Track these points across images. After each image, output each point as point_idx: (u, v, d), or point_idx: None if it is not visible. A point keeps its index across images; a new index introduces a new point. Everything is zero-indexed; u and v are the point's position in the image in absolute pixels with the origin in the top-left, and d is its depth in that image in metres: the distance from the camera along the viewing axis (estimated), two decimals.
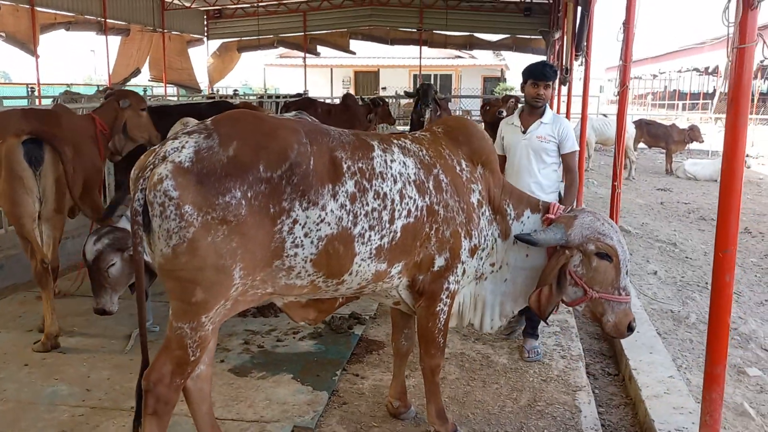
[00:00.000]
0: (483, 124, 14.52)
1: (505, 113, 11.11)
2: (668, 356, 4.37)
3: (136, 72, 23.29)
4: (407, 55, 30.10)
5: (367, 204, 2.77)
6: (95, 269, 4.07)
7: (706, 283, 6.77)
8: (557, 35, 16.87)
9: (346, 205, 2.71)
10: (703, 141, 16.87)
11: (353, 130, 3.10)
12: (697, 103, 36.56)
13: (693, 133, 16.57)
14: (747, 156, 15.97)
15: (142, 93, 20.42)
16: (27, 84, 18.46)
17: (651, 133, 16.77)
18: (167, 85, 24.11)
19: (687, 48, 36.68)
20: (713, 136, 19.60)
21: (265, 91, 27.19)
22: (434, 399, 3.34)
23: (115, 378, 3.98)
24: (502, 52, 32.49)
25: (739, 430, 3.62)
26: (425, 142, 3.15)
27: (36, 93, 16.78)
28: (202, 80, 26.14)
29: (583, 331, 5.11)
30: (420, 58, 25.21)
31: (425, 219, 2.95)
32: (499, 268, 3.31)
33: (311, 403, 3.70)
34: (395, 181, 2.88)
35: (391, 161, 2.92)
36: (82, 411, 3.58)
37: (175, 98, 20.98)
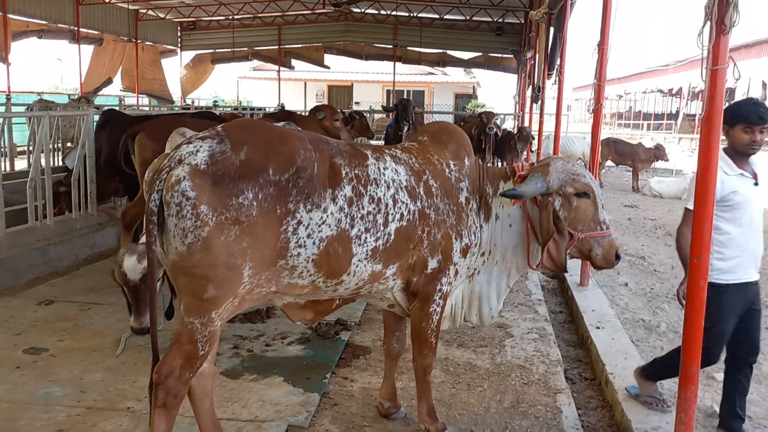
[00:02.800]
0: None
1: (494, 129, 11.42)
2: (641, 362, 4.57)
3: (108, 81, 23.13)
4: (381, 70, 30.45)
5: (363, 208, 2.94)
6: (143, 288, 3.76)
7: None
8: (529, 54, 17.27)
9: (344, 208, 2.87)
10: (668, 160, 17.37)
11: (348, 141, 3.28)
12: (662, 124, 37.50)
13: (658, 152, 17.06)
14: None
15: (118, 103, 20.35)
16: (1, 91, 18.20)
17: (618, 151, 17.23)
18: (139, 95, 23.98)
19: (652, 70, 37.73)
20: (677, 155, 20.20)
21: (239, 104, 27.18)
22: (425, 398, 3.49)
23: (108, 380, 4.04)
24: (474, 70, 33.02)
25: (708, 429, 3.83)
26: (414, 151, 3.33)
27: (8, 101, 16.57)
28: (175, 91, 26.05)
29: (560, 339, 5.31)
30: (394, 73, 25.50)
31: (417, 222, 3.12)
32: (489, 254, 3.43)
33: (303, 404, 3.81)
34: (388, 187, 3.05)
35: (384, 169, 3.09)
36: (78, 411, 3.64)
37: (148, 108, 20.87)
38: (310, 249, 2.79)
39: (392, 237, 3.05)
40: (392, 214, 3.04)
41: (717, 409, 4.00)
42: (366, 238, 2.95)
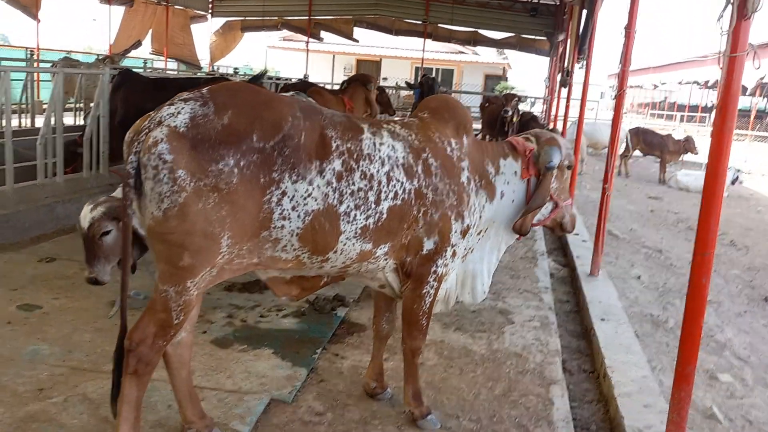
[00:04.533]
0: (481, 122, 14.62)
1: (510, 112, 11.19)
2: (644, 357, 4.45)
3: (137, 44, 23.09)
4: (410, 46, 30.05)
5: (353, 184, 2.81)
6: (89, 237, 3.97)
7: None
8: (561, 37, 16.90)
9: (332, 183, 2.74)
10: (697, 153, 16.96)
11: (345, 113, 3.15)
12: (695, 116, 36.70)
13: (688, 144, 16.68)
14: (739, 171, 16.10)
15: (142, 66, 20.38)
16: (26, 48, 18.31)
17: (647, 141, 16.89)
18: (168, 59, 23.99)
19: (689, 60, 36.81)
20: (708, 149, 19.72)
21: (265, 72, 27.07)
22: (412, 381, 3.40)
23: (96, 341, 4.01)
24: (505, 51, 32.50)
25: None
26: (414, 127, 3.19)
27: (35, 57, 16.67)
28: (203, 57, 26.01)
29: (564, 329, 5.18)
30: (423, 50, 25.16)
31: (413, 202, 2.99)
32: (485, 231, 3.39)
33: (290, 378, 3.75)
34: (383, 164, 2.92)
35: (380, 144, 2.95)
36: (61, 371, 3.61)
37: (175, 72, 20.87)
38: (295, 222, 2.68)
39: (384, 216, 2.92)
40: (385, 192, 2.90)
41: (717, 411, 3.87)
42: (356, 215, 2.83)
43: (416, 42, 26.15)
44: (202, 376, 3.67)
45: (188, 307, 2.62)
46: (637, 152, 17.35)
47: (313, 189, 2.69)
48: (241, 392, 3.55)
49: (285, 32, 28.73)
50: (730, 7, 2.73)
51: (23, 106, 12.87)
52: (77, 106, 12.97)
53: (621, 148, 15.67)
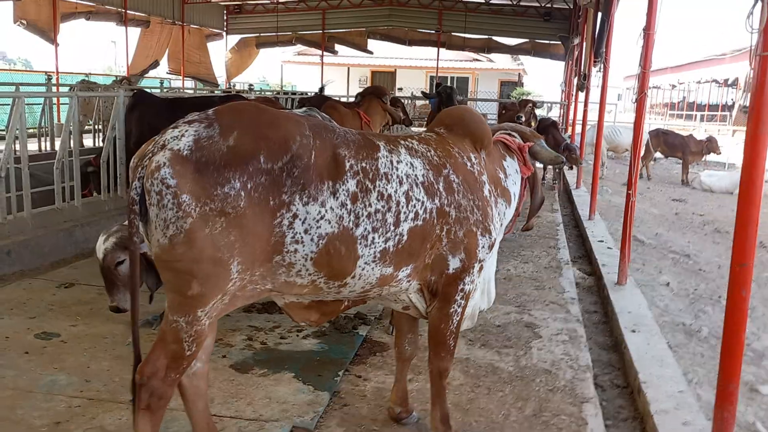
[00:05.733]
0: None
1: (523, 118, 11.03)
2: (679, 370, 4.26)
3: (155, 64, 23.41)
4: (424, 56, 30.05)
5: (370, 205, 2.69)
6: (105, 268, 3.92)
7: (719, 297, 6.65)
8: (576, 41, 16.73)
9: (346, 204, 2.62)
10: (720, 153, 16.69)
11: (360, 130, 3.05)
12: (716, 115, 36.19)
13: (710, 145, 16.41)
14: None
15: (159, 85, 20.52)
16: (45, 72, 18.53)
17: (668, 142, 16.64)
18: (185, 78, 24.19)
19: (707, 59, 36.40)
20: (731, 148, 19.38)
21: (282, 88, 27.19)
22: (440, 403, 3.26)
23: (114, 369, 3.93)
24: (520, 57, 32.34)
25: None
26: (433, 142, 3.08)
27: (54, 81, 16.84)
28: (220, 74, 26.20)
29: (593, 341, 5.02)
30: (437, 59, 25.11)
31: (435, 221, 2.87)
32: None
33: (312, 404, 3.63)
34: (401, 183, 2.80)
35: (398, 162, 2.84)
36: (78, 402, 3.53)
37: (192, 91, 20.99)
38: (309, 246, 2.56)
39: (405, 238, 2.79)
40: (404, 212, 2.78)
41: (761, 428, 3.69)
42: (374, 238, 2.70)
43: (430, 51, 26.16)
44: (222, 403, 3.56)
45: (200, 337, 2.51)
46: (658, 154, 17.09)
47: (326, 211, 2.58)
48: (262, 420, 3.44)
49: (299, 47, 28.85)
50: (760, 3, 2.60)
51: (44, 129, 12.97)
52: (96, 127, 13.05)
53: (642, 151, 15.42)
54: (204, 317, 2.48)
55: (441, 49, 24.79)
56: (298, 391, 3.78)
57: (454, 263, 2.99)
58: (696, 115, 36.76)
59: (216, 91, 19.33)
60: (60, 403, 3.51)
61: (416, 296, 3.10)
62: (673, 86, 43.96)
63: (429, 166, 2.93)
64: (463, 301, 3.09)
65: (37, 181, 7.24)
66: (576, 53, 17.00)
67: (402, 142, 3.00)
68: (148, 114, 7.17)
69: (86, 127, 13.44)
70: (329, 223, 2.58)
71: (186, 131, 2.41)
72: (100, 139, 12.57)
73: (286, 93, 18.68)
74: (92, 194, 7.49)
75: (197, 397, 2.82)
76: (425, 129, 3.53)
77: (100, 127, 12.87)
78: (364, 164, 2.72)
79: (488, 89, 32.79)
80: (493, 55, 30.43)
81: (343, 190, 2.62)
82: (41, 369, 3.90)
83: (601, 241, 7.85)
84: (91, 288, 5.38)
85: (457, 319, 3.12)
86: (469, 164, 3.09)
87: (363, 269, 2.72)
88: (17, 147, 6.38)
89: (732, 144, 21.41)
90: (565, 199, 12.00)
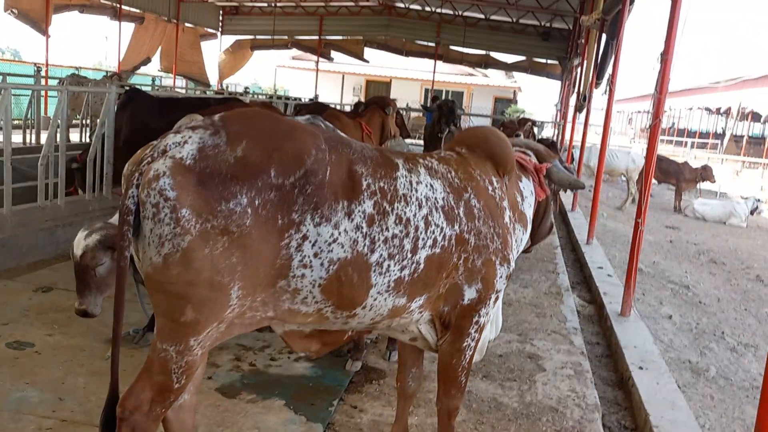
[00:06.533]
0: None
1: (522, 137, 10.84)
2: (691, 414, 4.04)
3: (147, 61, 23.05)
4: (420, 68, 29.89)
5: (387, 229, 2.43)
6: (81, 266, 3.68)
7: (723, 333, 6.47)
8: (576, 62, 16.62)
9: (362, 228, 2.36)
10: (715, 181, 16.62)
11: (376, 146, 2.80)
12: (706, 143, 36.34)
13: (705, 173, 16.35)
14: (758, 201, 15.72)
15: (150, 83, 20.17)
16: (35, 63, 18.12)
17: (662, 169, 16.53)
18: (176, 76, 23.84)
19: (700, 87, 36.56)
20: (722, 176, 19.36)
21: (275, 92, 26.92)
22: None
23: (91, 387, 3.62)
24: (515, 74, 32.31)
25: None
26: (453, 163, 2.83)
27: (43, 73, 16.45)
28: (212, 75, 25.88)
29: (597, 376, 4.77)
30: (434, 72, 24.97)
31: (453, 249, 2.62)
32: None
33: None
34: (420, 206, 2.54)
35: (417, 183, 2.59)
36: (50, 424, 3.23)
37: (184, 90, 20.65)
38: (317, 271, 2.29)
39: (421, 266, 2.53)
40: (423, 239, 2.52)
41: None
42: (389, 266, 2.43)
43: (426, 64, 26.02)
44: None
45: (191, 368, 2.23)
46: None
47: (340, 234, 2.31)
48: None
49: (295, 51, 28.63)
50: None
51: (30, 121, 12.61)
52: (84, 122, 12.69)
53: (635, 176, 15.32)
54: (197, 347, 2.20)
55: (437, 63, 24.66)
56: (288, 421, 3.50)
57: (469, 293, 2.74)
58: (686, 142, 36.91)
59: (208, 92, 18.99)
60: (29, 424, 3.20)
61: (426, 327, 2.84)
62: (664, 112, 44.15)
63: (449, 189, 2.69)
64: (477, 335, 2.85)
65: (19, 174, 6.91)
66: (574, 74, 16.89)
67: (421, 161, 2.75)
68: (141, 112, 6.88)
69: (74, 122, 13.06)
70: (342, 247, 2.32)
71: (189, 137, 2.13)
72: (88, 134, 12.21)
73: (279, 98, 18.40)
74: (78, 192, 7.15)
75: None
76: (423, 145, 3.36)
77: (88, 122, 12.51)
78: (381, 184, 2.46)
79: (483, 105, 32.67)
80: (488, 71, 30.39)
81: (359, 211, 2.36)
82: (11, 383, 3.59)
83: (601, 268, 7.64)
84: (71, 293, 4.99)
85: (470, 353, 2.88)
86: (490, 188, 2.85)
87: (375, 299, 2.46)
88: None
89: (722, 172, 21.39)
90: (560, 221, 11.81)
